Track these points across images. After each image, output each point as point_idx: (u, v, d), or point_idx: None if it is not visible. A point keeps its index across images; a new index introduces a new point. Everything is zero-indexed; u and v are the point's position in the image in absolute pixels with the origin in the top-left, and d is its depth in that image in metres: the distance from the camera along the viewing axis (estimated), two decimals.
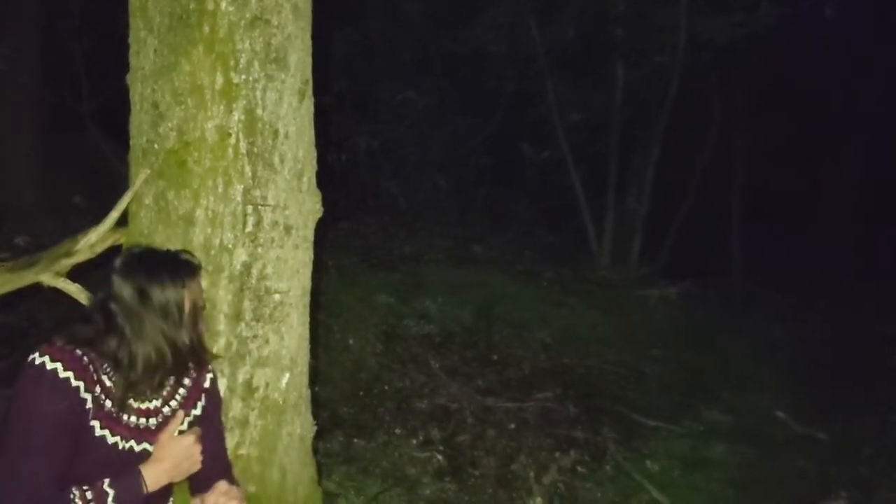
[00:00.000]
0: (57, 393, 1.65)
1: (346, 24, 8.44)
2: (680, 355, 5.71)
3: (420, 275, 6.17)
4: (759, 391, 5.16)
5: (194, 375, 1.88)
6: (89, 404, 1.68)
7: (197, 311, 1.80)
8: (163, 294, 1.73)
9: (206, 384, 1.91)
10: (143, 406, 1.78)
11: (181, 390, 1.85)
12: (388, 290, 5.72)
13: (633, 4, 7.76)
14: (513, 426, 4.13)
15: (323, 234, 4.80)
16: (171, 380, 1.81)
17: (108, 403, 1.71)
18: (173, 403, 1.83)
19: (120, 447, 1.73)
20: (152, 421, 1.78)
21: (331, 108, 7.62)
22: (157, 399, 1.80)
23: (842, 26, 10.75)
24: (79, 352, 1.69)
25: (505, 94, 9.14)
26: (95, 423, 1.69)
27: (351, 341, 4.70)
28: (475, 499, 3.38)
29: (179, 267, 1.79)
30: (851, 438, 4.40)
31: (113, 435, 1.72)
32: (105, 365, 1.71)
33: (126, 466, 1.73)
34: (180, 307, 1.75)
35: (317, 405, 3.81)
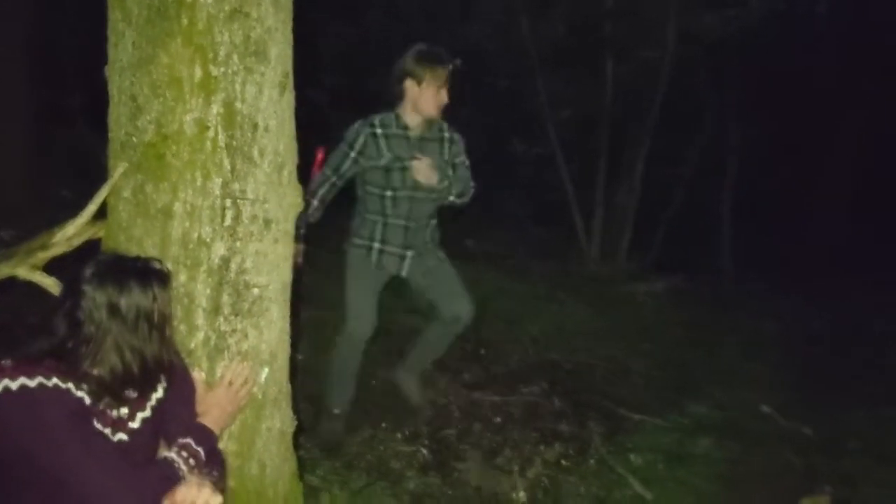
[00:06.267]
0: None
1: (340, 19, 8.43)
2: (667, 350, 5.72)
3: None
4: (746, 386, 5.16)
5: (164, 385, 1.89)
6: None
7: (165, 321, 1.79)
8: (132, 304, 1.72)
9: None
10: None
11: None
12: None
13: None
14: (499, 420, 4.13)
15: (313, 230, 4.78)
16: (137, 392, 1.81)
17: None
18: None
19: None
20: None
21: (327, 105, 7.62)
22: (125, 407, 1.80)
23: (834, 21, 10.75)
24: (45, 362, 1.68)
25: (497, 90, 9.14)
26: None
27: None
28: (459, 492, 3.38)
29: (150, 277, 1.77)
30: (837, 433, 4.40)
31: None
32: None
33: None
34: (149, 318, 1.74)
35: (304, 399, 3.83)
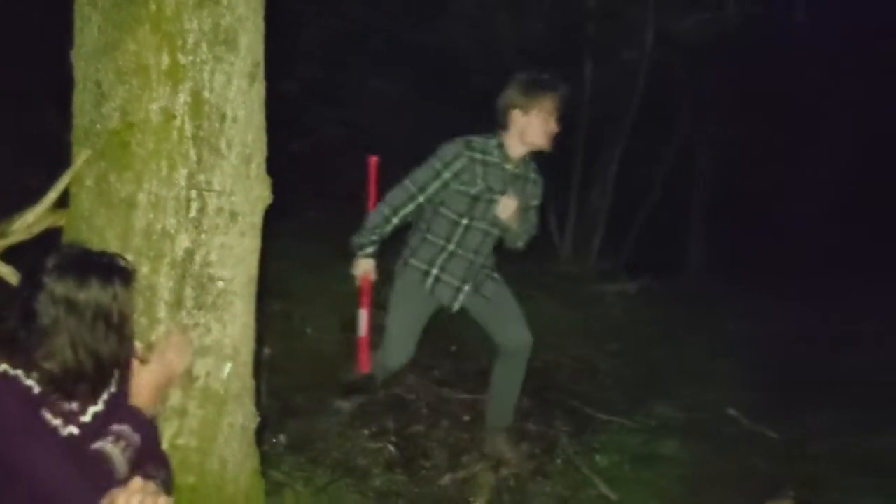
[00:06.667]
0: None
1: (317, 11, 8.35)
2: (636, 350, 5.74)
3: (384, 265, 6.11)
4: (714, 387, 5.19)
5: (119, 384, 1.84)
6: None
7: (125, 321, 1.75)
8: (90, 301, 1.67)
9: None
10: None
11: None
12: (351, 279, 5.66)
13: (602, 1, 7.77)
14: (467, 418, 4.13)
15: (288, 223, 4.73)
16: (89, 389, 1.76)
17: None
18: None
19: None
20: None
21: (298, 94, 7.55)
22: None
23: (811, 27, 10.89)
24: None
25: (474, 88, 9.11)
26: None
27: (309, 330, 4.66)
28: (425, 490, 3.36)
29: (112, 273, 1.73)
30: (802, 437, 4.43)
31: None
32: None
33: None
34: (108, 317, 1.69)
35: (269, 394, 3.80)
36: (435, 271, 3.36)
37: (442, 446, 3.76)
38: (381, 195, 3.45)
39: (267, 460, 3.06)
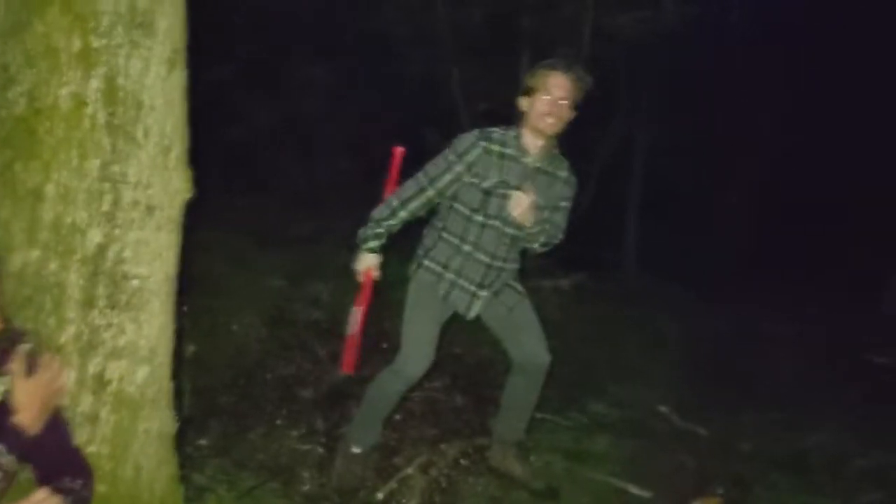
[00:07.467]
0: None
1: None
2: (570, 347, 5.73)
3: (315, 257, 6.01)
4: (646, 385, 5.24)
5: None
6: None
7: None
8: None
9: None
10: None
11: None
12: (280, 272, 5.54)
13: None
14: (398, 417, 4.04)
15: (215, 214, 4.56)
16: None
17: None
18: None
19: None
20: None
21: (229, 82, 7.36)
22: None
23: (744, 28, 11.15)
24: None
25: (412, 77, 9.02)
26: None
27: (235, 326, 4.51)
28: (356, 493, 3.28)
29: None
30: (730, 434, 4.51)
31: None
32: None
33: None
34: None
35: (194, 393, 3.66)
36: (450, 275, 3.14)
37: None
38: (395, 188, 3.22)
39: (189, 464, 2.95)
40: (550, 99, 3.04)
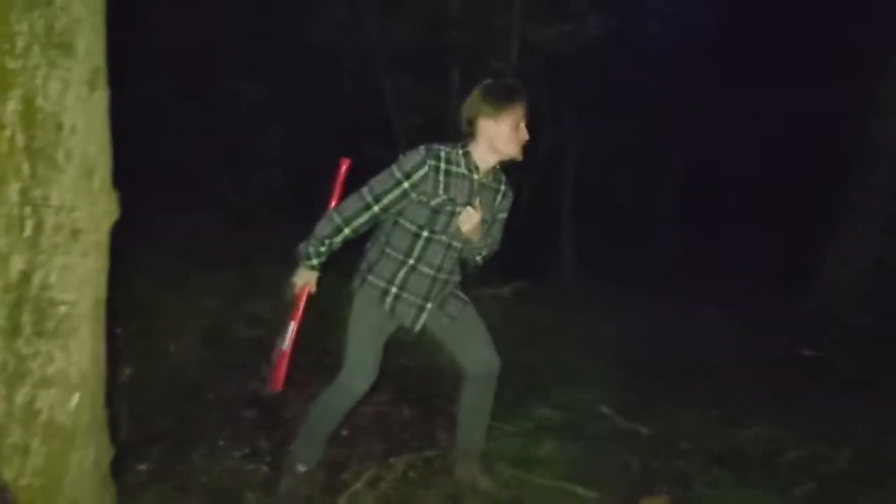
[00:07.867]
0: None
1: (177, 12, 8.03)
2: (513, 353, 5.72)
3: (252, 275, 5.93)
4: (588, 387, 5.30)
5: None
6: None
7: None
8: None
9: None
10: None
11: None
12: (216, 291, 5.46)
13: (468, 8, 7.87)
14: (346, 433, 4.01)
15: (145, 233, 4.46)
16: None
17: None
18: None
19: None
20: None
21: (157, 98, 7.22)
22: None
23: (663, 39, 11.46)
24: None
25: (345, 91, 9.01)
26: None
27: (172, 348, 4.42)
28: None
29: None
30: (671, 433, 4.59)
31: None
32: None
33: None
34: None
35: (131, 418, 3.57)
36: (394, 289, 3.13)
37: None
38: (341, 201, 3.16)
39: (128, 491, 2.88)
40: (521, 126, 3.12)
